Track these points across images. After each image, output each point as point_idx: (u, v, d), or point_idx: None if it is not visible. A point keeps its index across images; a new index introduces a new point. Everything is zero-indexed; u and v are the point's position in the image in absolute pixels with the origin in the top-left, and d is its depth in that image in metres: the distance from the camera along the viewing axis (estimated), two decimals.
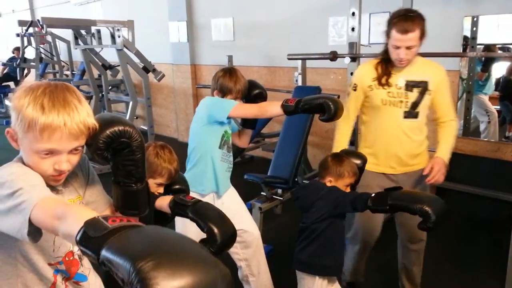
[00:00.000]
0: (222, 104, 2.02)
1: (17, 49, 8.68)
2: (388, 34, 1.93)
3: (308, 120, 3.11)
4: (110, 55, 5.75)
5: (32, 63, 7.78)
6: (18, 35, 7.73)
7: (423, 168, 2.06)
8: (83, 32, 5.63)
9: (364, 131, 2.21)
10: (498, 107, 3.83)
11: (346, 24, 3.97)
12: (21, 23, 7.36)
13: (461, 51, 3.60)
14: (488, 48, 3.65)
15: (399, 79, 2.00)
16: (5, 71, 8.89)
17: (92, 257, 0.68)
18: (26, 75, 8.36)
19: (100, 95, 5.87)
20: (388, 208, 1.63)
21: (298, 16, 4.66)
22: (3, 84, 8.71)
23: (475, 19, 3.52)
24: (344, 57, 2.88)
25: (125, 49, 4.82)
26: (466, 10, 3.52)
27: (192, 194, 2.05)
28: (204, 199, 2.03)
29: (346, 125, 2.22)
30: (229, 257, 2.30)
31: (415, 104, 2.01)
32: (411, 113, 2.03)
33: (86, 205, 1.13)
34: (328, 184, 1.89)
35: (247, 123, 2.23)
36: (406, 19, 1.86)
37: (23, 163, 1.00)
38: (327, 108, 1.74)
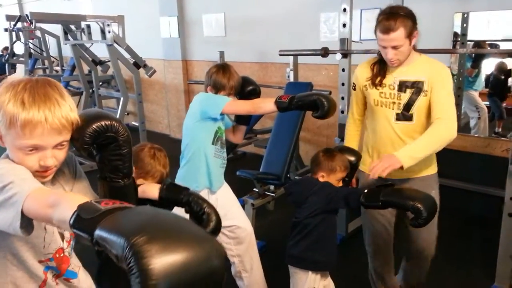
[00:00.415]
0: (216, 100, 2.01)
1: (6, 48, 8.57)
2: (375, 33, 1.86)
3: (300, 116, 3.11)
4: (100, 51, 5.69)
5: (21, 59, 7.67)
6: (6, 30, 7.62)
7: (428, 175, 1.99)
8: (72, 27, 5.56)
9: (365, 132, 2.16)
10: (488, 103, 3.87)
11: (337, 20, 3.98)
12: (9, 17, 7.25)
13: (451, 47, 3.63)
14: (478, 44, 3.68)
15: (393, 79, 1.92)
16: None
17: (86, 239, 0.68)
18: (14, 70, 8.26)
19: (91, 91, 5.82)
20: (381, 204, 1.65)
21: (290, 12, 4.65)
22: None
23: (465, 15, 3.55)
24: (336, 53, 2.88)
25: (115, 45, 4.78)
26: (457, 6, 3.54)
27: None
28: None
29: (352, 125, 2.18)
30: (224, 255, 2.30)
31: (408, 106, 1.90)
32: (405, 116, 1.92)
33: None
34: (321, 179, 1.90)
35: (241, 119, 2.23)
36: (388, 18, 1.77)
37: (10, 160, 0.99)
38: (320, 105, 1.75)
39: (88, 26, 5.55)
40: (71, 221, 0.70)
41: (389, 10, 1.81)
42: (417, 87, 1.88)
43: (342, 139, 2.96)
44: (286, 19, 4.69)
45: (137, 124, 5.25)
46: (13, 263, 1.02)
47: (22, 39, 7.52)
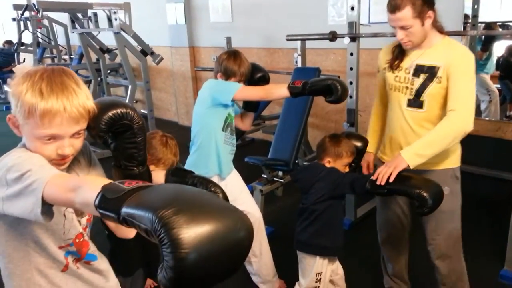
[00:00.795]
0: (227, 86, 2.02)
1: (8, 42, 8.59)
2: None
3: (308, 101, 3.09)
4: (107, 39, 5.69)
5: (30, 48, 7.70)
6: (14, 19, 7.63)
7: (443, 170, 1.85)
8: (79, 15, 5.56)
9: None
10: (499, 86, 3.81)
11: (345, 3, 3.92)
12: (16, 7, 7.26)
13: (462, 29, 3.56)
14: (489, 26, 3.60)
15: (410, 62, 1.82)
16: None
17: (112, 218, 0.70)
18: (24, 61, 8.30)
19: (99, 79, 5.84)
20: (386, 191, 1.65)
21: None
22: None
23: None
24: (344, 37, 2.84)
25: (122, 32, 4.77)
26: None
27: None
28: None
29: (375, 109, 2.11)
30: None
31: (419, 92, 1.79)
32: (415, 102, 1.81)
33: None
34: (327, 165, 1.90)
35: (249, 105, 2.23)
36: None
37: (27, 149, 1.00)
38: (334, 90, 1.78)
39: (95, 14, 5.54)
40: (96, 202, 0.71)
41: None
42: (431, 73, 1.76)
43: (351, 125, 2.96)
44: (293, 3, 4.63)
45: (145, 112, 5.27)
46: (35, 250, 1.05)
47: (30, 29, 7.54)
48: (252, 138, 5.37)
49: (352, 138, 1.98)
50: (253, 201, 2.36)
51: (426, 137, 1.73)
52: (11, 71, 8.63)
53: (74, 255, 1.11)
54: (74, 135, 0.98)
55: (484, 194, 3.50)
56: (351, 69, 2.89)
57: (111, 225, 1.20)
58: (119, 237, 1.22)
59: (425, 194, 1.53)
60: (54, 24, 7.65)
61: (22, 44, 7.81)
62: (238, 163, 2.34)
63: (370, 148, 2.07)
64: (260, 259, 2.34)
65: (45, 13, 6.90)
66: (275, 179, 3.09)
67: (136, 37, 4.93)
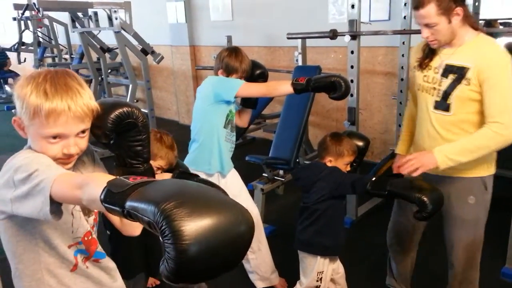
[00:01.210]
0: (230, 83, 2.02)
1: None
2: None
3: (309, 100, 3.08)
4: (108, 38, 5.69)
5: (30, 47, 7.71)
6: (14, 19, 7.64)
7: (471, 178, 1.73)
8: (80, 14, 5.56)
9: None
10: None
11: (346, 1, 3.91)
12: (17, 6, 7.26)
13: None
14: (489, 23, 3.59)
15: (440, 61, 1.70)
16: None
17: (117, 211, 0.71)
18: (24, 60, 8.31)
19: (100, 78, 5.84)
20: (387, 193, 1.64)
21: None
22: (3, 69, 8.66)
23: None
24: (344, 35, 2.84)
25: (123, 31, 4.76)
26: None
27: (197, 174, 2.10)
28: (210, 179, 2.08)
29: (408, 110, 2.00)
30: None
31: (446, 94, 1.67)
32: (442, 104, 1.69)
33: None
34: (329, 164, 1.90)
35: (248, 102, 2.23)
36: None
37: (32, 150, 1.02)
38: (338, 86, 1.80)
39: (95, 13, 5.54)
40: (102, 196, 0.73)
41: None
42: (459, 74, 1.63)
43: (352, 123, 2.95)
44: (294, 1, 4.62)
45: (146, 111, 5.27)
46: (45, 250, 1.06)
47: (31, 28, 7.55)
48: (253, 137, 5.37)
49: (353, 138, 1.98)
50: (251, 199, 2.37)
51: (464, 142, 1.63)
52: (10, 71, 8.64)
53: (83, 254, 1.12)
54: (79, 134, 1.00)
55: None
56: (352, 67, 2.88)
57: (117, 223, 1.21)
58: (120, 239, 1.22)
59: (425, 198, 1.52)
60: (54, 24, 7.65)
61: (23, 43, 7.82)
62: (239, 161, 2.34)
63: (403, 150, 2.02)
64: (259, 256, 2.35)
65: (45, 13, 6.91)
66: (276, 178, 3.09)
67: (136, 36, 4.93)
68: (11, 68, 8.77)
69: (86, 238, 1.12)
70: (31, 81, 0.96)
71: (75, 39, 6.66)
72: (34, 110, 0.94)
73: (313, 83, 1.85)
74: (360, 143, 1.98)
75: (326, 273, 1.96)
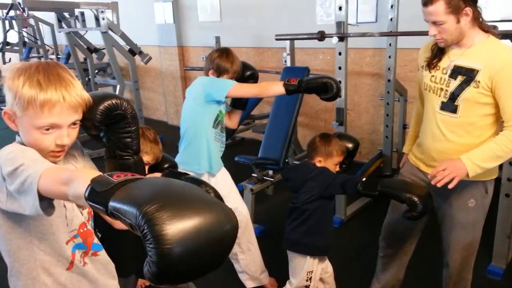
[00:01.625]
0: (221, 83, 2.03)
1: None
2: None
3: (298, 100, 3.10)
4: (95, 38, 5.63)
5: (16, 48, 7.59)
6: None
7: (473, 181, 1.70)
8: (66, 14, 5.50)
9: None
10: None
11: (333, 3, 3.94)
12: (1, 6, 7.15)
13: None
14: None
15: (448, 62, 1.68)
16: None
17: (101, 210, 0.71)
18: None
19: (87, 79, 5.78)
20: (377, 194, 1.65)
21: None
22: None
23: None
24: (332, 37, 2.86)
25: (110, 32, 4.73)
26: None
27: (187, 172, 2.10)
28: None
29: (417, 109, 1.98)
30: None
31: (454, 95, 1.64)
32: (449, 106, 1.67)
33: None
34: (318, 164, 1.91)
35: (238, 103, 2.24)
36: None
37: (21, 144, 1.02)
38: (330, 88, 1.85)
39: (82, 14, 5.48)
40: (86, 194, 0.73)
41: None
42: (468, 76, 1.61)
43: (340, 123, 2.98)
44: (282, 2, 4.64)
45: None
46: (39, 247, 1.05)
47: (16, 28, 7.44)
48: (242, 137, 5.38)
49: (343, 139, 2.00)
50: (241, 198, 2.38)
51: (491, 148, 1.60)
52: None
53: (81, 248, 1.12)
54: (71, 125, 1.01)
55: None
56: (340, 68, 2.91)
57: (108, 218, 1.21)
58: (112, 240, 1.22)
59: (415, 198, 1.54)
60: (40, 24, 7.55)
61: (8, 43, 7.70)
62: (228, 162, 2.34)
63: (409, 149, 1.99)
64: (248, 256, 2.36)
65: (31, 12, 6.81)
66: (265, 178, 3.10)
67: (124, 36, 4.89)
68: None
69: (82, 230, 1.11)
70: (23, 73, 0.96)
71: (62, 39, 6.59)
72: (28, 101, 0.94)
73: (305, 84, 1.88)
74: (350, 145, 2.00)
75: (316, 272, 1.98)
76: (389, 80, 3.55)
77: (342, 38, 2.85)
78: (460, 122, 1.67)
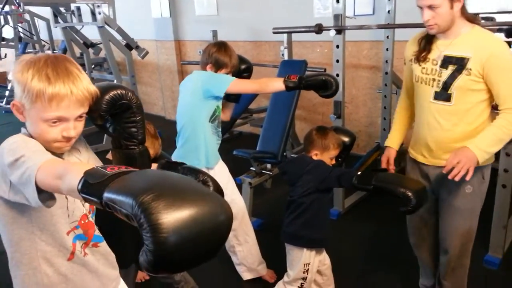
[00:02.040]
0: (221, 79, 2.03)
1: None
2: None
3: (295, 94, 3.10)
4: (91, 33, 5.61)
5: (11, 43, 7.55)
6: None
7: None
8: (62, 9, 5.46)
9: None
10: None
11: None
12: None
13: None
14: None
15: (438, 53, 1.72)
16: None
17: (95, 202, 0.71)
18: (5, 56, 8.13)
19: None
20: (372, 188, 1.66)
21: None
22: None
23: None
24: (330, 29, 2.86)
25: (106, 26, 4.71)
26: None
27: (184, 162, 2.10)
28: None
29: (401, 104, 2.00)
30: None
31: (447, 84, 1.68)
32: (443, 95, 1.71)
33: None
34: (314, 157, 1.92)
35: (231, 97, 2.24)
36: None
37: (26, 135, 1.03)
38: (329, 85, 1.88)
39: (78, 8, 5.43)
40: (79, 187, 0.73)
41: None
42: (459, 64, 1.65)
43: (338, 116, 2.99)
44: None
45: None
46: (41, 238, 1.06)
47: (11, 23, 7.39)
48: (240, 131, 5.38)
49: (339, 133, 2.01)
50: (238, 191, 2.39)
51: (493, 132, 1.65)
52: None
53: (82, 239, 1.13)
54: (77, 118, 1.03)
55: None
56: (337, 61, 2.91)
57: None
58: (111, 231, 1.22)
59: (409, 193, 1.55)
60: (36, 19, 7.50)
61: (3, 39, 7.65)
62: (226, 156, 2.35)
63: (393, 143, 2.00)
64: (245, 248, 2.38)
65: (26, 7, 6.77)
66: (263, 171, 3.11)
67: (120, 31, 4.87)
68: None
69: (83, 222, 1.12)
70: (32, 66, 0.97)
71: (57, 34, 6.56)
72: (36, 94, 0.96)
73: (305, 81, 1.90)
74: (346, 139, 2.01)
75: (313, 264, 1.99)
76: (386, 73, 3.56)
77: (339, 31, 2.85)
78: (455, 109, 1.71)
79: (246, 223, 2.37)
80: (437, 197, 1.91)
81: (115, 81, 4.90)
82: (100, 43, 5.29)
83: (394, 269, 2.52)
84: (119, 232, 1.23)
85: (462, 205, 1.82)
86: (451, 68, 1.67)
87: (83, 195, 0.73)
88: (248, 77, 2.28)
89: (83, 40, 5.67)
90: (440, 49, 1.71)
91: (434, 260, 2.13)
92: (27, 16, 7.54)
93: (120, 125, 1.12)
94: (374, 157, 3.70)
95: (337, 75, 2.92)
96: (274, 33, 3.42)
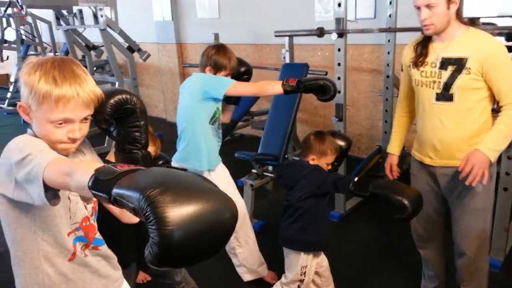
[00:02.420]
0: (219, 81, 2.04)
1: None
2: None
3: (297, 97, 3.12)
4: (93, 36, 5.63)
5: (13, 45, 7.58)
6: None
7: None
8: (64, 12, 5.49)
9: None
10: None
11: (332, 0, 3.95)
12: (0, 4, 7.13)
13: None
14: (472, 22, 3.64)
15: (435, 56, 1.74)
16: None
17: (104, 198, 0.74)
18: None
19: None
20: (368, 195, 1.66)
21: None
22: None
23: None
24: (331, 33, 2.88)
25: (108, 29, 4.73)
26: None
27: (188, 171, 2.12)
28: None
29: (400, 110, 2.02)
30: None
31: (447, 85, 1.71)
32: (444, 96, 1.73)
33: None
34: (311, 162, 1.92)
35: (231, 99, 2.25)
36: None
37: (32, 135, 1.05)
38: (327, 89, 1.89)
39: (80, 11, 5.47)
40: (90, 183, 0.75)
41: None
42: (458, 64, 1.68)
43: (339, 119, 2.99)
44: None
45: None
46: (43, 238, 1.07)
47: (13, 26, 7.42)
48: (241, 133, 5.39)
49: (336, 138, 2.01)
50: (238, 193, 2.39)
51: (499, 130, 1.68)
52: None
53: (82, 241, 1.13)
54: (83, 120, 1.04)
55: None
56: (339, 64, 2.92)
57: (116, 211, 1.23)
58: (111, 231, 1.23)
59: (405, 201, 1.55)
60: (38, 21, 7.53)
61: (5, 41, 7.68)
62: (228, 158, 2.36)
63: (393, 149, 2.02)
64: (246, 249, 2.38)
65: (28, 10, 6.79)
66: (265, 173, 3.11)
67: (122, 33, 4.90)
68: None
69: (84, 224, 1.13)
70: (39, 68, 0.99)
71: (59, 37, 6.59)
72: (43, 96, 0.97)
73: (303, 85, 1.91)
74: (342, 143, 2.02)
75: (310, 267, 2.00)
76: (388, 76, 3.57)
77: (341, 35, 2.86)
78: (458, 108, 1.73)
79: (247, 225, 2.38)
80: (445, 198, 1.90)
81: (116, 84, 4.92)
82: (102, 46, 5.31)
83: (395, 271, 2.52)
84: (119, 232, 1.23)
85: (474, 205, 1.80)
86: (450, 68, 1.70)
87: (93, 191, 0.75)
88: (248, 79, 2.29)
89: (85, 43, 5.70)
90: (437, 52, 1.74)
91: (441, 260, 2.12)
92: (29, 19, 7.57)
93: (124, 129, 1.14)
94: (375, 159, 3.71)
95: (339, 78, 2.93)
96: (276, 36, 3.43)
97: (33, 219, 1.04)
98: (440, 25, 1.67)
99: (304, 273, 1.98)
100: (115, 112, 1.10)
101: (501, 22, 3.41)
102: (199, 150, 2.10)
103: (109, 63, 5.39)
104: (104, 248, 1.20)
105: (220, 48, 2.12)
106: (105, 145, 4.70)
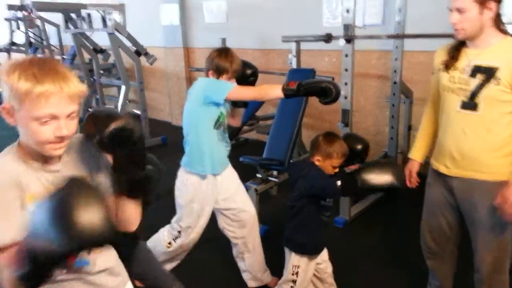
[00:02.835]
0: (221, 86, 2.03)
1: None
2: None
3: (303, 102, 3.11)
4: (101, 39, 5.67)
5: (22, 48, 7.65)
6: (7, 19, 7.58)
7: (496, 183, 1.67)
8: (73, 15, 5.54)
9: None
10: None
11: (340, 5, 3.95)
12: (11, 7, 7.22)
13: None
14: None
15: (467, 62, 1.68)
16: None
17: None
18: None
19: (92, 79, 5.81)
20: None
21: None
22: None
23: None
24: (339, 39, 2.87)
25: (116, 33, 4.76)
26: None
27: (191, 175, 2.12)
28: (205, 179, 2.09)
29: (427, 115, 1.97)
30: (224, 237, 2.35)
31: (474, 94, 1.65)
32: (470, 104, 1.67)
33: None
34: (317, 163, 1.91)
35: (238, 103, 2.24)
36: None
37: (18, 146, 1.02)
38: (329, 92, 1.85)
39: (89, 15, 5.52)
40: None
41: None
42: (488, 74, 1.62)
43: (346, 125, 2.98)
44: (288, 4, 4.65)
45: (138, 112, 5.26)
46: None
47: (22, 28, 7.49)
48: (246, 138, 5.39)
49: (350, 140, 2.00)
50: (248, 198, 2.38)
51: None
52: None
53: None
54: (69, 116, 1.01)
55: None
56: (346, 70, 2.91)
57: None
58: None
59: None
60: (46, 24, 7.60)
61: (14, 44, 7.75)
62: (233, 162, 2.35)
63: (415, 155, 1.98)
64: (253, 254, 2.37)
65: (37, 13, 6.86)
66: (269, 178, 3.11)
67: (130, 37, 4.92)
68: None
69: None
70: (18, 67, 0.97)
71: (67, 40, 6.64)
72: (24, 93, 0.95)
73: (304, 88, 1.86)
74: (358, 146, 1.99)
75: (304, 269, 1.97)
76: (395, 82, 3.56)
77: (349, 40, 2.86)
78: (482, 120, 1.67)
79: (256, 230, 2.37)
80: (460, 210, 1.84)
81: (123, 87, 4.94)
82: (110, 49, 5.34)
83: (401, 278, 2.49)
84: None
85: (490, 220, 1.73)
86: (479, 77, 1.64)
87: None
88: (254, 81, 2.29)
89: (93, 46, 5.74)
90: (469, 58, 1.68)
91: (449, 273, 2.07)
92: (38, 22, 7.63)
93: (123, 153, 1.09)
94: None
95: (346, 83, 2.92)
96: (284, 41, 3.44)
97: None
98: (470, 30, 1.62)
99: (296, 273, 1.96)
100: (113, 139, 1.04)
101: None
102: (202, 154, 2.10)
103: (116, 66, 5.42)
104: (90, 268, 1.15)
105: (222, 52, 2.11)
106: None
